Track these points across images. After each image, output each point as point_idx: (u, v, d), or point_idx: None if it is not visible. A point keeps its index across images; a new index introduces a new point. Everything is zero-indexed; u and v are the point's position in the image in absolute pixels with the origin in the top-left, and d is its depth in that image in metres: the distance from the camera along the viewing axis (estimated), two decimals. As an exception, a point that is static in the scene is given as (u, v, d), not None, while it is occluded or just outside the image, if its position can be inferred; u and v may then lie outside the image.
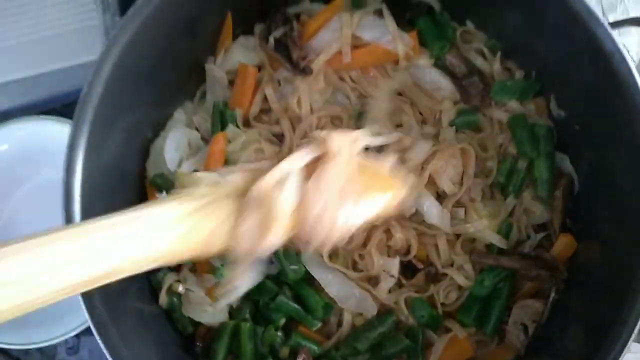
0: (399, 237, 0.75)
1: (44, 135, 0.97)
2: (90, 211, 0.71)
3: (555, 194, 0.78)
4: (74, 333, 0.91)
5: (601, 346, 0.64)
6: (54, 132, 0.97)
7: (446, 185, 0.76)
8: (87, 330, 0.90)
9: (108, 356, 0.64)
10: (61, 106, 1.03)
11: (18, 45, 1.05)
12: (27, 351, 0.97)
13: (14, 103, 1.03)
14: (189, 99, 0.89)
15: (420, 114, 0.82)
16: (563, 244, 0.76)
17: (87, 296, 0.67)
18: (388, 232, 0.76)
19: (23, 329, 0.92)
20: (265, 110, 0.86)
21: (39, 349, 0.97)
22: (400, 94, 0.83)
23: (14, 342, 0.91)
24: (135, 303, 0.78)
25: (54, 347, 0.97)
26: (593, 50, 0.67)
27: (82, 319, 0.91)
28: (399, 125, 0.81)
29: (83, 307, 0.66)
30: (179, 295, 0.79)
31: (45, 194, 0.99)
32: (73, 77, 1.03)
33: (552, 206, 0.78)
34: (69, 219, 0.67)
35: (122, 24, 0.70)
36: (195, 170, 0.80)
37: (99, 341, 0.65)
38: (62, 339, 0.91)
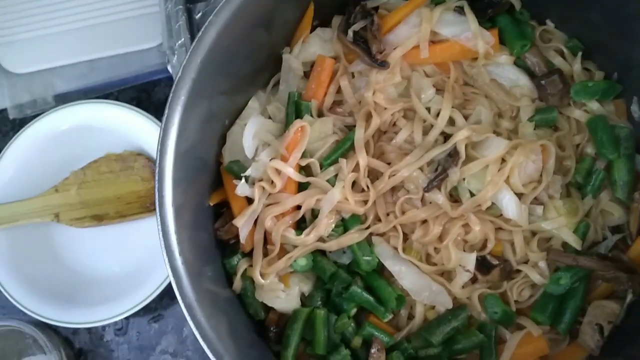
0: (478, 230, 0.75)
1: (102, 118, 1.00)
2: (176, 192, 0.73)
3: (634, 197, 0.77)
4: (122, 316, 0.93)
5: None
6: (112, 115, 1.00)
7: (518, 182, 0.76)
8: (136, 312, 0.94)
9: (198, 337, 0.66)
10: (117, 91, 1.06)
11: (78, 30, 1.07)
12: (75, 330, 0.99)
13: (71, 86, 1.06)
14: (262, 88, 0.90)
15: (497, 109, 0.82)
16: (641, 247, 0.76)
17: (177, 276, 0.68)
18: (466, 226, 0.76)
19: (73, 309, 0.95)
20: (338, 102, 0.87)
21: (88, 329, 1.00)
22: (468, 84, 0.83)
23: (64, 319, 0.94)
24: (211, 286, 0.79)
25: (102, 328, 1.00)
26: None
27: (131, 302, 0.93)
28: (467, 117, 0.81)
29: (175, 289, 0.68)
30: (252, 280, 0.80)
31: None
32: (130, 63, 1.06)
33: (630, 208, 0.78)
34: (161, 202, 0.69)
35: (211, 19, 0.72)
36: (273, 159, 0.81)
37: (190, 323, 0.66)
38: (112, 320, 0.93)
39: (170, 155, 0.70)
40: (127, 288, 0.95)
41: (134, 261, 0.99)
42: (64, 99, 1.04)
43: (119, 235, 1.00)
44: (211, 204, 0.83)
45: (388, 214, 0.80)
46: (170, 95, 0.70)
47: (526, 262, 0.78)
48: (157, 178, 0.69)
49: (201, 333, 0.66)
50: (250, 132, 0.82)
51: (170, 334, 1.01)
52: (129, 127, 1.00)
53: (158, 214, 0.69)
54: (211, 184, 0.84)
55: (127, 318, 0.98)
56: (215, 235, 0.83)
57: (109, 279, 0.99)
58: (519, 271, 0.78)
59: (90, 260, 1.00)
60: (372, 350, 0.74)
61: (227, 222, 0.81)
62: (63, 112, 1.00)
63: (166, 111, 0.70)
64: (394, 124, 0.83)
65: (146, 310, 0.98)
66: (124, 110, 0.99)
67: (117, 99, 1.05)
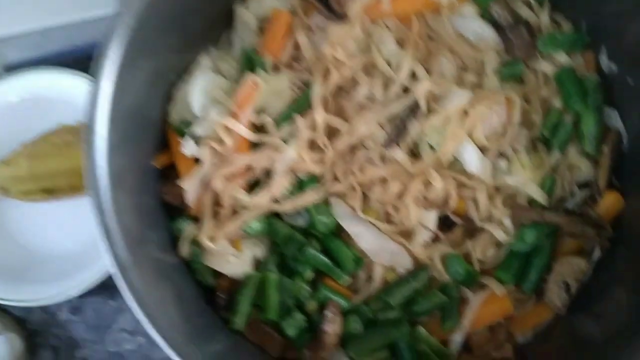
0: (439, 187, 0.71)
1: (56, 87, 0.95)
2: (116, 154, 0.68)
3: (602, 150, 0.74)
4: (78, 292, 0.88)
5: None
6: (66, 84, 0.95)
7: (481, 135, 0.72)
8: (91, 290, 0.89)
9: (132, 301, 0.61)
10: (72, 60, 0.99)
11: (31, -4, 1.01)
12: (28, 310, 0.94)
13: (24, 55, 1.00)
14: (214, 44, 0.85)
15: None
16: (609, 202, 0.73)
17: (110, 241, 0.63)
18: (427, 183, 0.72)
19: (24, 286, 0.90)
20: (296, 58, 0.82)
21: (42, 308, 0.94)
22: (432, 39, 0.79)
23: (14, 298, 0.88)
24: (156, 253, 0.74)
25: (56, 306, 0.95)
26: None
27: (86, 278, 0.88)
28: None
29: (107, 251, 0.63)
30: (201, 245, 0.75)
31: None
32: (85, 31, 0.99)
33: (598, 163, 0.75)
34: (91, 163, 0.64)
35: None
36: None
37: (123, 286, 0.61)
38: (65, 298, 0.88)
39: (104, 111, 0.66)
40: (81, 264, 0.90)
41: (88, 237, 0.94)
42: (16, 68, 0.98)
43: (72, 210, 0.95)
44: (157, 166, 0.78)
45: (347, 173, 0.76)
46: (103, 43, 0.65)
47: (490, 220, 0.74)
48: (86, 136, 0.64)
49: (138, 300, 0.61)
50: (199, 89, 0.77)
51: (128, 311, 0.96)
52: (84, 97, 0.94)
53: (87, 173, 0.64)
54: (159, 145, 0.80)
55: (82, 296, 0.92)
56: (161, 199, 0.78)
57: (62, 255, 0.93)
58: (482, 229, 0.74)
59: (43, 236, 0.95)
60: (327, 314, 0.70)
61: (174, 184, 0.77)
62: (13, 82, 0.95)
63: (97, 63, 0.65)
64: (354, 81, 0.79)
65: (102, 287, 0.92)
66: (77, 80, 0.94)
67: (72, 69, 0.99)
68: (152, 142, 0.79)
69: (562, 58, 0.78)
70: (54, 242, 0.94)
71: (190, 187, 0.75)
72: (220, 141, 0.75)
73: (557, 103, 0.76)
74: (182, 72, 0.81)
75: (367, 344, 0.71)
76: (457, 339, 0.71)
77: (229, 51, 0.84)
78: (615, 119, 0.75)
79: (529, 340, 0.74)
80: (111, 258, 0.63)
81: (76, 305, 0.96)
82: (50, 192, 0.95)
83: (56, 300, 0.88)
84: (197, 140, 0.77)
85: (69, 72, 0.95)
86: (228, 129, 0.75)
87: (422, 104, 0.72)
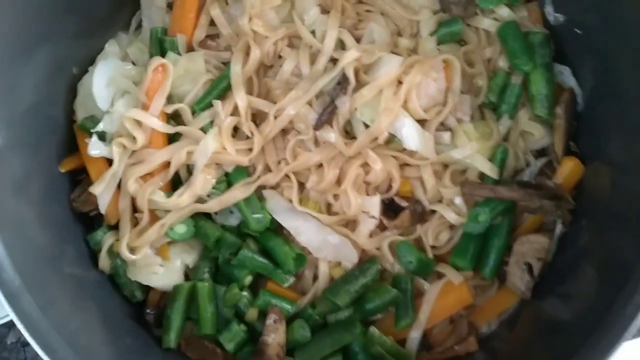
0: (379, 169, 0.63)
1: None
2: (13, 159, 0.60)
3: (556, 112, 0.67)
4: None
5: (621, 287, 0.54)
6: None
7: (417, 106, 0.63)
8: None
9: (24, 331, 0.52)
10: None
11: None
12: None
13: None
14: (122, 29, 0.76)
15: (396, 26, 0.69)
16: (568, 169, 0.66)
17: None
18: (365, 165, 0.65)
19: None
20: (213, 36, 0.73)
21: None
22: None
23: None
24: (74, 269, 0.66)
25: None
26: None
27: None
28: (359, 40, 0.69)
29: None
30: (121, 257, 0.67)
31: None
32: None
33: (552, 127, 0.67)
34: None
35: None
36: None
37: (13, 315, 0.52)
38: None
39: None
40: None
41: None
42: None
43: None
44: (63, 171, 0.69)
45: (279, 162, 0.68)
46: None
47: (440, 201, 0.67)
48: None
49: (27, 326, 0.52)
50: (103, 79, 0.68)
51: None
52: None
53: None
54: (65, 148, 0.71)
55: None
56: (71, 209, 0.69)
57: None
58: (433, 212, 0.67)
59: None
60: (268, 322, 0.63)
61: (85, 191, 0.68)
62: None
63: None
64: (280, 56, 0.70)
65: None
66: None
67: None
68: (58, 144, 0.70)
69: (504, 12, 0.70)
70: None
71: (101, 192, 0.66)
72: (131, 137, 0.66)
73: (502, 63, 0.69)
74: (86, 62, 0.72)
75: (316, 351, 0.64)
76: (414, 336, 0.64)
77: (139, 36, 0.75)
78: (567, 76, 0.68)
79: (495, 330, 0.68)
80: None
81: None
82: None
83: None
84: (107, 138, 0.68)
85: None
86: (138, 123, 0.66)
87: (351, 76, 0.63)
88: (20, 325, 0.51)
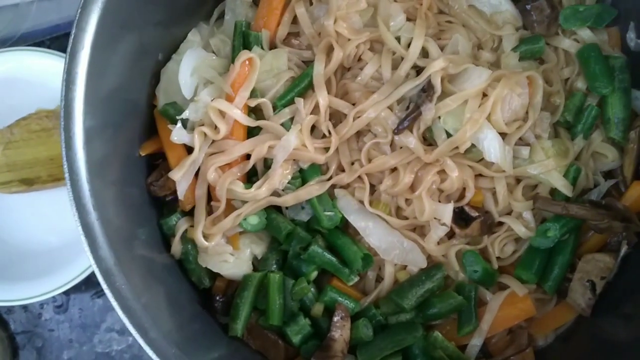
0: (455, 177, 0.65)
1: (33, 68, 0.88)
2: (95, 141, 0.61)
3: (629, 136, 0.68)
4: (61, 290, 0.82)
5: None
6: (44, 65, 0.87)
7: (501, 120, 0.65)
8: (77, 287, 0.83)
9: (117, 308, 0.54)
10: (49, 40, 0.93)
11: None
12: (9, 309, 0.88)
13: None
14: (204, 19, 0.78)
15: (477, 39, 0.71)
16: (637, 193, 0.67)
17: (91, 241, 0.57)
18: (442, 173, 0.66)
19: (5, 284, 0.83)
20: (294, 33, 0.75)
21: (23, 307, 0.88)
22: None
23: None
24: (145, 252, 0.68)
25: (39, 305, 0.89)
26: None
27: (70, 275, 0.82)
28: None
29: (88, 253, 0.56)
30: (194, 243, 0.69)
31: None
32: (63, 8, 0.92)
33: (624, 150, 0.69)
34: (68, 151, 0.57)
35: None
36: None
37: (107, 291, 0.55)
38: (49, 295, 0.82)
39: (80, 94, 0.58)
40: (65, 260, 0.84)
41: (72, 230, 0.86)
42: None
43: (54, 202, 0.88)
44: (142, 154, 0.71)
45: (353, 163, 0.70)
46: (75, 22, 0.57)
47: (509, 213, 0.68)
48: (63, 120, 0.56)
49: (121, 303, 0.55)
50: (188, 68, 0.70)
51: (117, 309, 0.91)
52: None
53: (65, 166, 0.56)
54: (144, 131, 0.73)
55: (67, 293, 0.87)
56: (149, 192, 0.71)
57: (45, 250, 0.87)
58: (501, 224, 0.69)
59: (24, 230, 0.89)
60: (335, 319, 0.64)
61: (163, 176, 0.70)
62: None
63: (70, 44, 0.57)
64: (360, 59, 0.72)
65: (88, 284, 0.87)
66: (56, 60, 0.87)
67: (49, 49, 0.91)
68: (138, 128, 0.72)
69: (585, 34, 0.71)
70: (35, 237, 0.88)
71: (180, 178, 0.68)
72: (214, 127, 0.68)
73: (580, 84, 0.70)
74: (169, 50, 0.74)
75: (378, 350, 0.66)
76: (475, 343, 0.66)
77: (222, 27, 0.77)
78: (644, 103, 0.70)
79: (550, 343, 0.69)
80: (92, 257, 0.56)
81: (60, 303, 0.89)
82: (29, 182, 0.88)
83: (40, 298, 0.82)
84: (188, 125, 0.70)
85: (46, 52, 0.88)
86: (222, 113, 0.68)
87: (437, 85, 0.65)
88: (115, 304, 0.54)
